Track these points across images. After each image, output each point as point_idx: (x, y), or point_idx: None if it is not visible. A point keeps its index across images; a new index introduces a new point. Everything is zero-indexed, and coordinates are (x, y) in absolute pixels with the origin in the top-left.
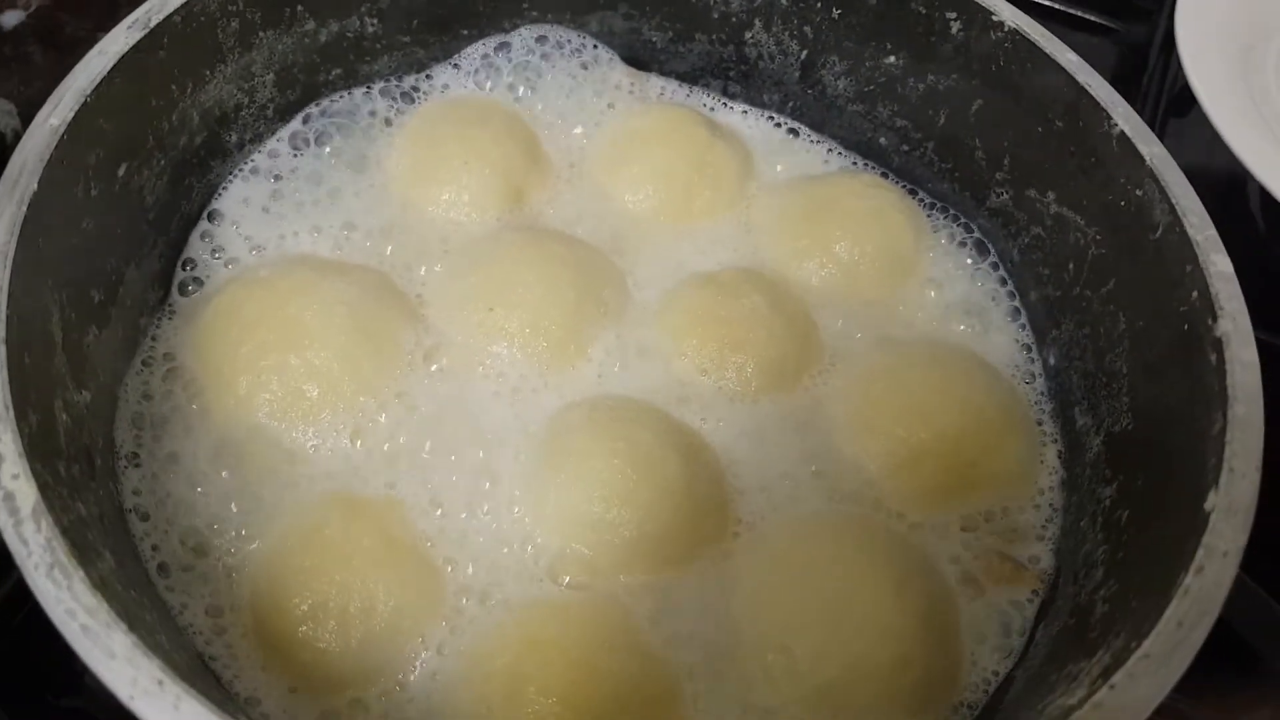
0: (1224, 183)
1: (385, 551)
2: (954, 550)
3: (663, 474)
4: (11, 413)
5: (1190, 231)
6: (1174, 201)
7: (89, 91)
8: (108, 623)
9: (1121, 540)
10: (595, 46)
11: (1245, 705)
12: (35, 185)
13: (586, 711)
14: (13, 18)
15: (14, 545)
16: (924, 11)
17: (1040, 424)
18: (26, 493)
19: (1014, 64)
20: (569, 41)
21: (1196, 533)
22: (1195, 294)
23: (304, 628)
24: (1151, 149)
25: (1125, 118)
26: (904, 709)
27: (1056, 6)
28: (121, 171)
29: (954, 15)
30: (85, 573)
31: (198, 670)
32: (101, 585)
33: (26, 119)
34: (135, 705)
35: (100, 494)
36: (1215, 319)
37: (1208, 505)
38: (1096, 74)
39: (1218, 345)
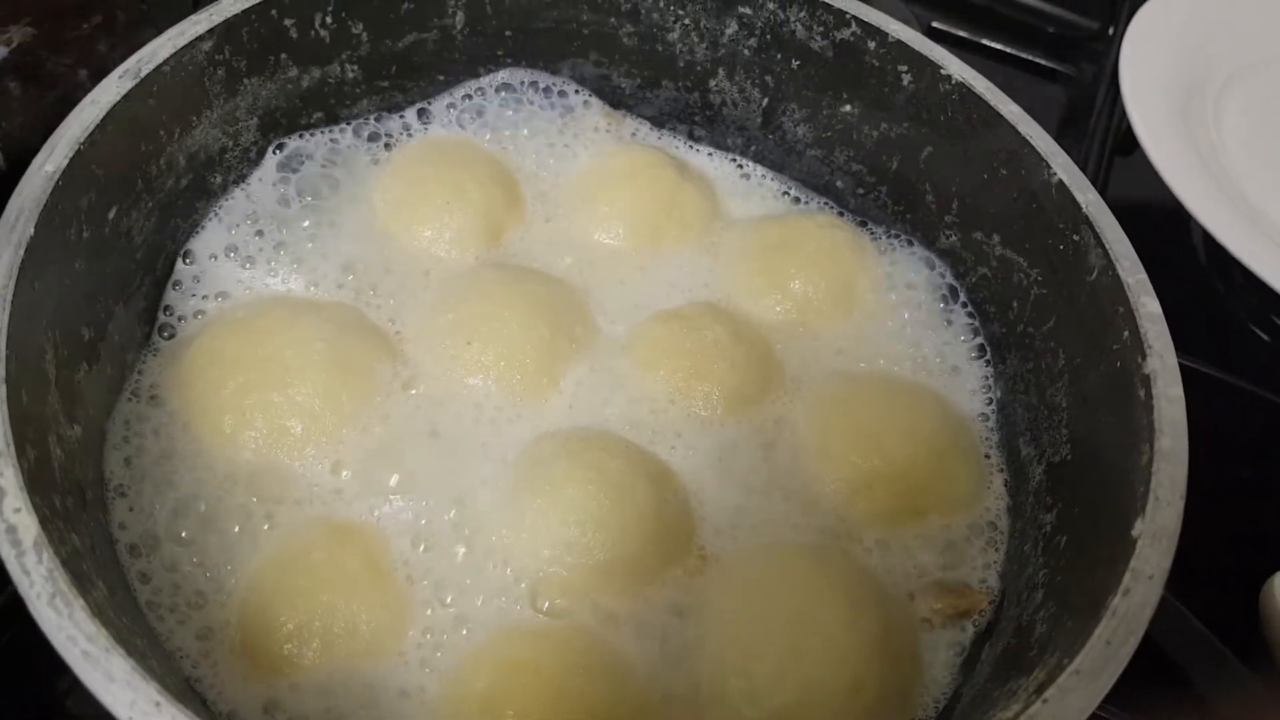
0: (1168, 217)
1: (368, 575)
2: (906, 574)
3: (634, 499)
4: (12, 449)
5: (1122, 275)
6: (1108, 247)
7: (82, 139)
8: (107, 648)
9: (1060, 564)
10: (575, 92)
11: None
12: (32, 230)
13: None
14: None
15: (17, 576)
16: (877, 64)
17: (988, 456)
18: (28, 525)
19: (960, 114)
20: (545, 84)
21: (1124, 557)
22: (1126, 334)
23: (289, 646)
24: (1087, 197)
25: (1064, 167)
26: None
27: (1008, 50)
28: (112, 214)
29: (905, 68)
30: (85, 601)
31: (186, 694)
32: (99, 613)
33: (6, 153)
34: None
35: (91, 526)
36: (1145, 357)
37: (1135, 531)
38: (1038, 125)
39: (1146, 382)
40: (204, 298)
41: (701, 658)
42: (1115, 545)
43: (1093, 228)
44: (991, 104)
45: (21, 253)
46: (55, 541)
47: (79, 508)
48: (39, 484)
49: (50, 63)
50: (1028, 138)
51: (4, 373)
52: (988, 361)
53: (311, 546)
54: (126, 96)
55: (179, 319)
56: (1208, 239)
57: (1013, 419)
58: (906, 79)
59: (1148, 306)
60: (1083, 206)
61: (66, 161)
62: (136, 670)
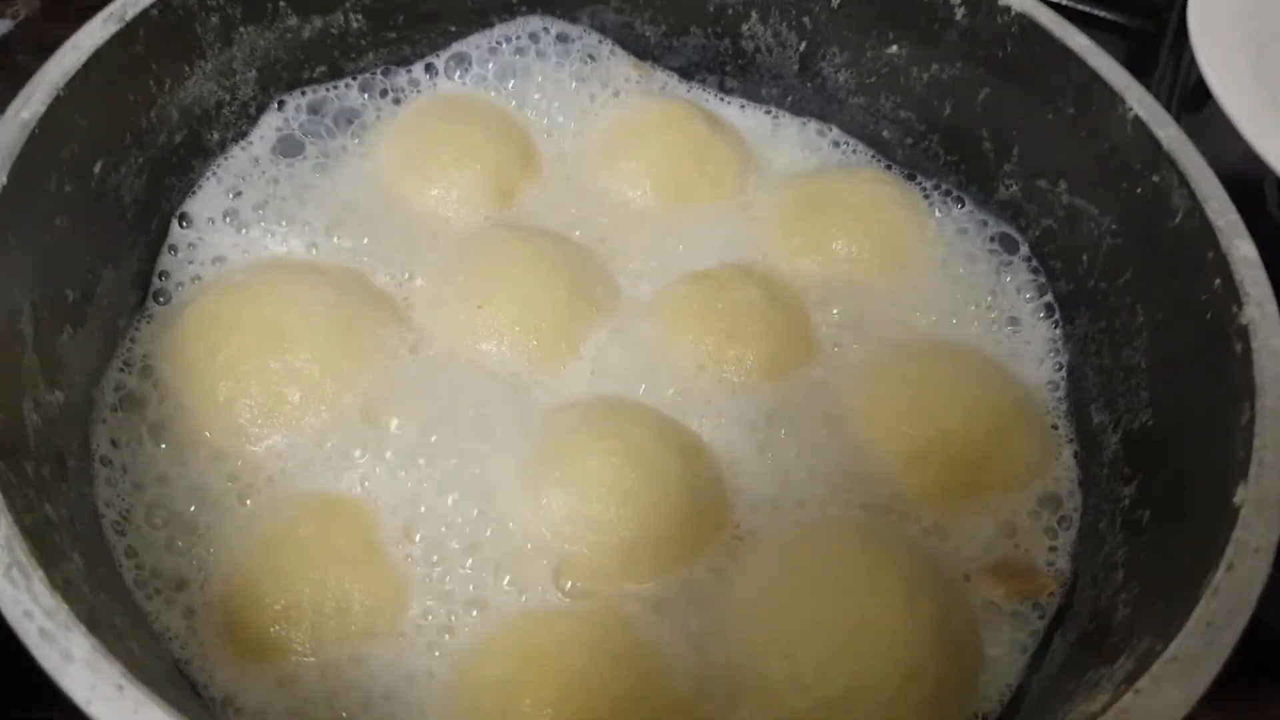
0: (1239, 181)
1: (360, 550)
2: (965, 555)
3: (661, 473)
4: None
5: (1211, 217)
6: (1193, 186)
7: (62, 85)
8: (67, 625)
9: (1143, 541)
10: (599, 42)
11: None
12: (4, 179)
13: None
14: (1, 27)
15: None
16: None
17: (1055, 426)
18: None
19: (1022, 49)
20: (565, 35)
21: (1225, 529)
22: (1218, 281)
23: (276, 628)
24: (1168, 132)
25: (1139, 101)
26: None
27: (1064, 2)
28: (97, 169)
29: (958, 2)
30: (46, 573)
31: (172, 677)
32: (65, 587)
33: None
34: (92, 710)
35: (72, 497)
36: (1240, 306)
37: (1237, 500)
38: (1108, 56)
39: (1243, 334)
40: (200, 262)
41: (739, 644)
42: (1212, 516)
43: (1175, 166)
44: (1057, 36)
45: None
46: (18, 508)
47: (56, 477)
48: (5, 448)
49: (57, 34)
50: (1098, 71)
51: None
52: (1055, 323)
53: (299, 521)
54: (111, 41)
55: (175, 284)
56: None
57: (1083, 385)
58: (960, 13)
59: (1241, 250)
60: (1163, 144)
61: (44, 108)
62: (99, 649)
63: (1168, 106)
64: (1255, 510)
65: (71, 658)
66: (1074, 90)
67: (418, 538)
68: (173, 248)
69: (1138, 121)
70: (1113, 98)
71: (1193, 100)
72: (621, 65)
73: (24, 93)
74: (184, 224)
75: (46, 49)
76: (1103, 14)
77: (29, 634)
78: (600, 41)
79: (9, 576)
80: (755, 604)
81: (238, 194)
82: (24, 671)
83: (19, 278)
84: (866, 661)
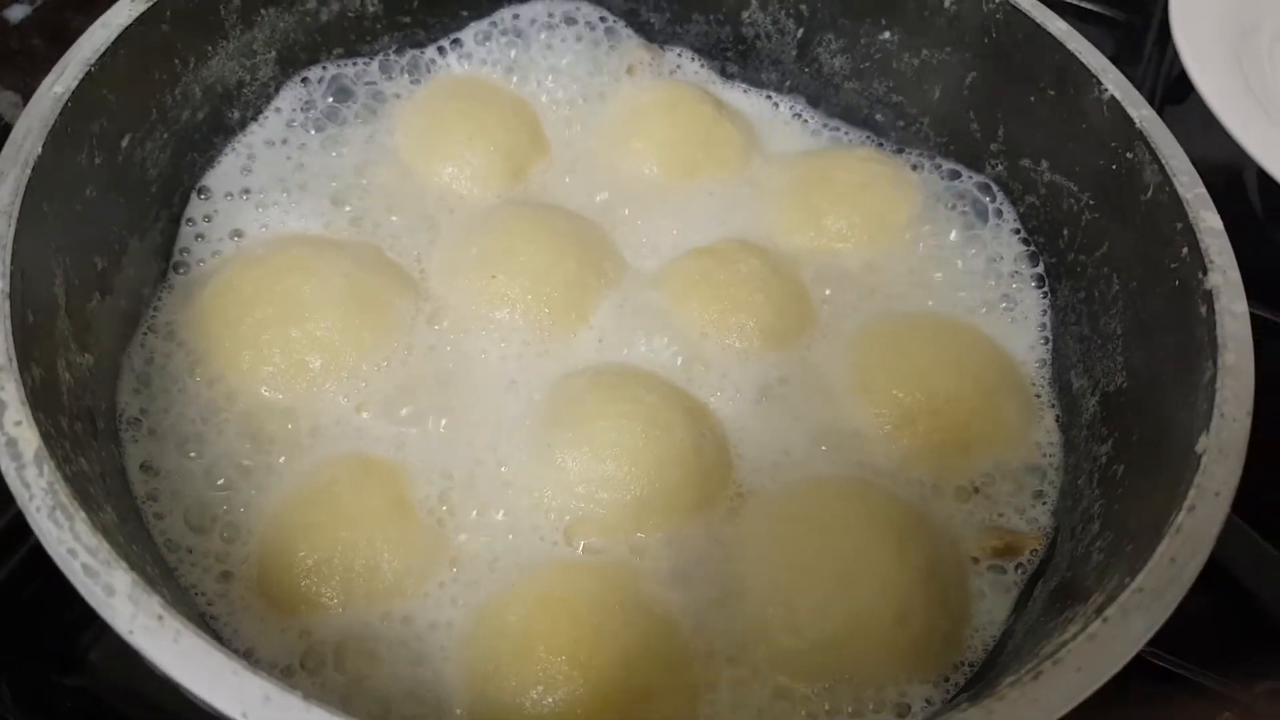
0: (1221, 172)
1: (391, 512)
2: (954, 512)
3: (669, 432)
4: (14, 364)
5: (1180, 190)
6: (1164, 162)
7: (93, 61)
8: (108, 561)
9: (1117, 494)
10: (609, 25)
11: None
12: (39, 150)
13: (595, 671)
14: (18, 11)
15: (16, 489)
16: None
17: (1039, 394)
18: (29, 438)
19: (1005, 35)
20: (572, 18)
21: (1189, 475)
22: (1185, 250)
23: (306, 583)
24: (1141, 112)
25: (1115, 83)
26: (904, 664)
27: None
28: (125, 143)
29: None
30: (87, 515)
31: (199, 628)
32: (104, 531)
33: None
34: (134, 640)
35: (102, 454)
36: (1205, 272)
37: (1199, 448)
38: (1086, 41)
39: (1208, 298)
40: (220, 236)
41: (741, 593)
42: (1178, 466)
43: (1147, 143)
44: (1038, 21)
45: (29, 171)
46: (59, 458)
47: (89, 435)
48: (44, 402)
49: (74, 20)
50: (1076, 54)
51: (8, 288)
52: (1043, 294)
53: (332, 483)
54: (139, 20)
55: (196, 257)
56: (1264, 191)
57: (1064, 352)
58: (948, 1)
59: (1207, 221)
60: (1136, 122)
61: (76, 83)
62: (139, 584)
63: (1151, 97)
64: (1216, 458)
65: (114, 591)
66: (1053, 73)
67: (441, 500)
68: (191, 221)
69: (1113, 102)
70: (1089, 79)
71: (1176, 91)
72: (633, 47)
73: (57, 68)
74: (204, 198)
75: (63, 35)
76: (1090, 7)
77: (73, 571)
78: (611, 24)
79: (53, 518)
80: (755, 556)
81: (256, 170)
82: (55, 639)
83: (52, 245)
84: (858, 606)
